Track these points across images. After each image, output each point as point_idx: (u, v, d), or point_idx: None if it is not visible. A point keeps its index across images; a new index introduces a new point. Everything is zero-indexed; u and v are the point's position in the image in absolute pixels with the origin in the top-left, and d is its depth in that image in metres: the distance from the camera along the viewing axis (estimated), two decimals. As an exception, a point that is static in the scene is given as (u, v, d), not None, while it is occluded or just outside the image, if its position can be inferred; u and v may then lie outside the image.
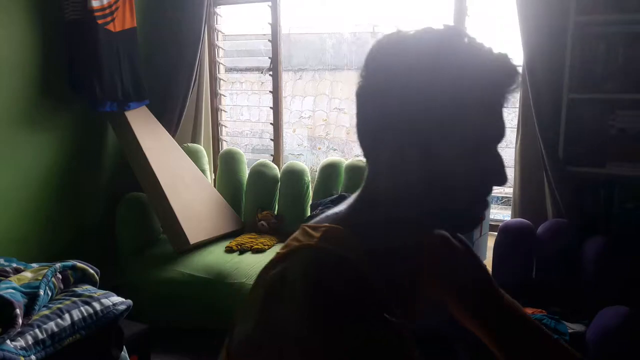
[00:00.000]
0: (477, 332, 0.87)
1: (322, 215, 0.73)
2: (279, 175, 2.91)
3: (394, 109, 0.64)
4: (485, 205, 0.69)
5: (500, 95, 0.65)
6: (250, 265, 2.42)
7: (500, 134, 0.67)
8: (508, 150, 2.94)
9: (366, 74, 0.67)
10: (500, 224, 2.17)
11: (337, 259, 0.64)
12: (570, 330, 1.72)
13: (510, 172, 2.52)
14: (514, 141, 2.38)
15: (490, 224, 2.39)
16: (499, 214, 2.90)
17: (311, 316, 0.59)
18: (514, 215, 2.38)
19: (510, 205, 2.56)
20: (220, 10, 3.20)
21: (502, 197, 3.56)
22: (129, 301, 1.84)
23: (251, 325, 0.65)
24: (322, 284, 0.61)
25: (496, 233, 2.12)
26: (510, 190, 2.56)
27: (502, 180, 0.67)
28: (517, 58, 2.30)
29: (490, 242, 2.21)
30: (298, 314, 0.60)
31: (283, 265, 0.65)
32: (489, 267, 2.20)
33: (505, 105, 0.66)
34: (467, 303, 0.85)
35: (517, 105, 2.37)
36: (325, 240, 0.66)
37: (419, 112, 0.63)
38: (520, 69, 0.65)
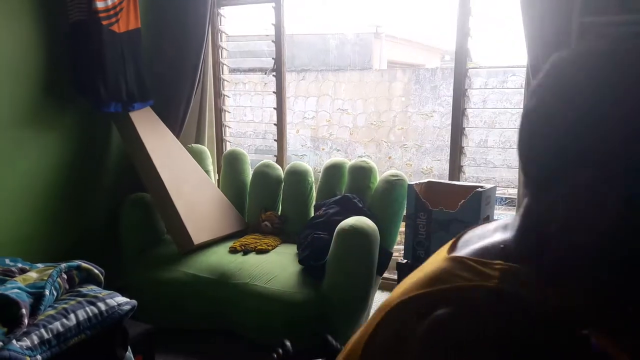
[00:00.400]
0: None
1: (479, 246, 0.64)
2: (283, 176, 2.91)
3: (586, 139, 0.53)
4: None
5: None
6: (254, 265, 2.43)
7: None
8: (511, 151, 2.94)
9: (543, 94, 0.58)
10: (504, 224, 2.17)
11: (525, 305, 0.56)
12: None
13: (514, 173, 2.52)
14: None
15: (494, 225, 2.39)
16: (504, 214, 2.91)
17: None
18: (517, 216, 2.38)
19: (514, 206, 2.56)
20: (224, 11, 3.21)
21: (507, 198, 3.56)
22: (134, 301, 1.85)
23: None
24: (512, 332, 0.54)
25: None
26: (515, 191, 2.56)
27: None
28: (521, 59, 2.31)
29: (494, 243, 2.21)
30: None
31: (453, 307, 0.56)
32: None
33: None
34: None
35: (521, 106, 2.36)
36: (506, 282, 0.57)
37: (626, 145, 0.51)
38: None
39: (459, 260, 0.61)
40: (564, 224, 0.57)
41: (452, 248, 0.68)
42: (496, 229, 0.66)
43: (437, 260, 0.65)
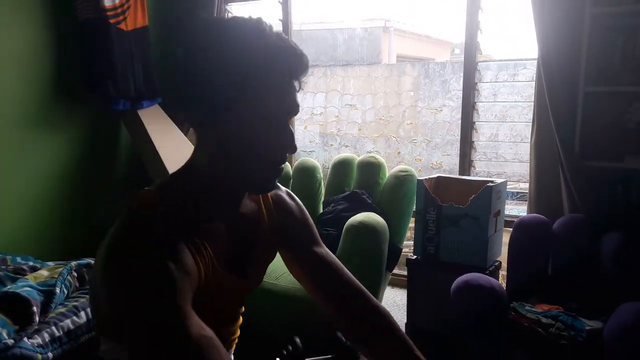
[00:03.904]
0: (303, 283, 1.03)
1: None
2: (291, 173, 2.90)
3: (202, 85, 0.74)
4: (280, 171, 0.82)
5: (289, 78, 0.77)
6: (264, 262, 2.42)
7: (292, 110, 0.79)
8: (523, 145, 2.90)
9: (183, 53, 0.76)
10: (516, 219, 2.15)
11: (133, 218, 0.74)
12: (587, 327, 1.70)
13: (526, 167, 2.49)
14: (529, 136, 2.34)
15: (505, 220, 2.36)
16: (514, 209, 2.88)
17: (99, 270, 0.72)
18: (529, 210, 2.36)
19: (525, 200, 2.53)
20: (232, 7, 3.20)
21: (518, 193, 3.52)
22: (144, 299, 1.85)
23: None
24: (112, 241, 0.73)
25: (511, 229, 2.10)
26: (526, 185, 2.53)
27: (292, 150, 0.80)
28: (532, 52, 2.27)
29: (506, 238, 2.19)
30: (97, 269, 0.75)
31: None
32: (504, 263, 2.18)
33: (299, 87, 0.80)
34: (294, 255, 1.01)
35: (532, 99, 2.33)
36: (135, 202, 0.76)
37: (221, 88, 0.73)
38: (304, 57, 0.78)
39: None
40: (195, 156, 0.82)
41: None
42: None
43: None
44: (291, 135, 0.79)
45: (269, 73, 0.74)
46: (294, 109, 0.79)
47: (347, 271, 1.00)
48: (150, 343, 0.66)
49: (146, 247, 0.70)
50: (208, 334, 0.68)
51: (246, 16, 0.77)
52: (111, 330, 0.79)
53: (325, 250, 1.01)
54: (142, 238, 0.71)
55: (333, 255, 1.02)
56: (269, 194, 0.97)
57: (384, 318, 0.96)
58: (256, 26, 0.75)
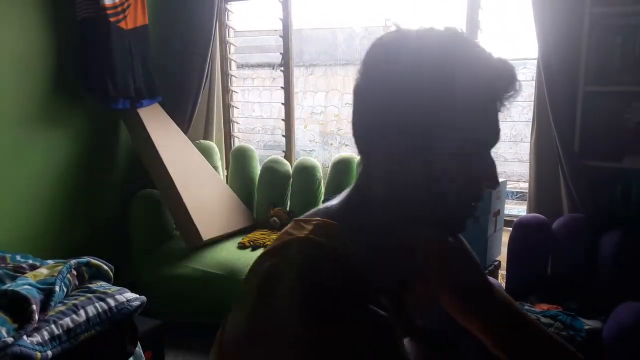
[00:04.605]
0: (474, 330, 0.87)
1: (313, 210, 0.73)
2: (291, 172, 2.90)
3: (392, 109, 0.64)
4: (474, 210, 0.68)
5: (496, 101, 0.65)
6: (263, 261, 2.42)
7: (495, 138, 0.67)
8: (523, 144, 2.90)
9: (364, 72, 0.66)
10: (515, 219, 2.15)
11: (327, 252, 0.63)
12: (586, 327, 1.70)
13: (525, 167, 2.49)
14: (529, 135, 2.34)
15: (505, 220, 2.36)
16: (514, 209, 2.87)
17: (299, 307, 0.58)
18: (529, 210, 2.36)
19: (525, 200, 2.53)
20: (231, 6, 3.20)
21: (517, 192, 3.52)
22: (143, 297, 1.86)
23: (244, 318, 0.65)
24: (310, 276, 0.60)
25: (511, 228, 2.10)
26: (526, 185, 2.53)
27: (494, 185, 0.67)
28: (532, 51, 2.27)
29: (505, 238, 2.19)
30: (287, 305, 0.59)
31: (275, 258, 0.65)
32: (504, 263, 2.18)
33: (501, 110, 0.66)
34: (465, 303, 0.86)
35: (532, 98, 2.33)
36: (317, 234, 0.65)
37: (417, 113, 0.62)
38: (517, 72, 0.65)
39: (295, 221, 0.69)
40: (376, 186, 0.68)
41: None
42: (339, 197, 0.75)
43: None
44: (493, 167, 0.66)
45: (472, 95, 0.62)
46: (497, 135, 0.66)
47: (532, 318, 0.85)
48: None
49: (355, 293, 0.61)
50: None
51: (440, 27, 0.65)
52: None
53: (501, 295, 0.86)
54: (346, 281, 0.61)
55: (512, 300, 0.87)
56: None
57: None
58: (455, 40, 0.64)
